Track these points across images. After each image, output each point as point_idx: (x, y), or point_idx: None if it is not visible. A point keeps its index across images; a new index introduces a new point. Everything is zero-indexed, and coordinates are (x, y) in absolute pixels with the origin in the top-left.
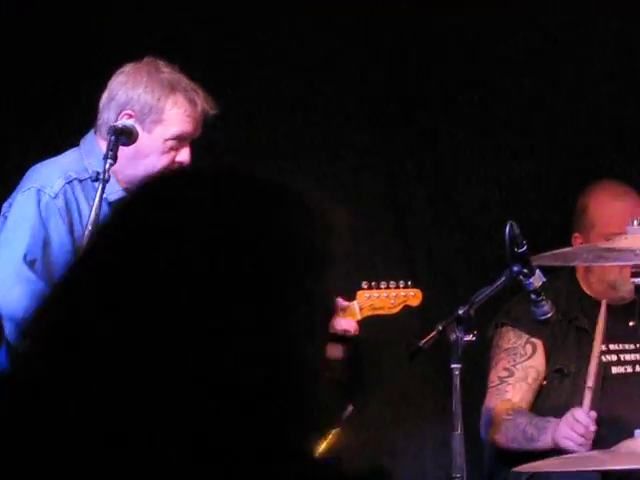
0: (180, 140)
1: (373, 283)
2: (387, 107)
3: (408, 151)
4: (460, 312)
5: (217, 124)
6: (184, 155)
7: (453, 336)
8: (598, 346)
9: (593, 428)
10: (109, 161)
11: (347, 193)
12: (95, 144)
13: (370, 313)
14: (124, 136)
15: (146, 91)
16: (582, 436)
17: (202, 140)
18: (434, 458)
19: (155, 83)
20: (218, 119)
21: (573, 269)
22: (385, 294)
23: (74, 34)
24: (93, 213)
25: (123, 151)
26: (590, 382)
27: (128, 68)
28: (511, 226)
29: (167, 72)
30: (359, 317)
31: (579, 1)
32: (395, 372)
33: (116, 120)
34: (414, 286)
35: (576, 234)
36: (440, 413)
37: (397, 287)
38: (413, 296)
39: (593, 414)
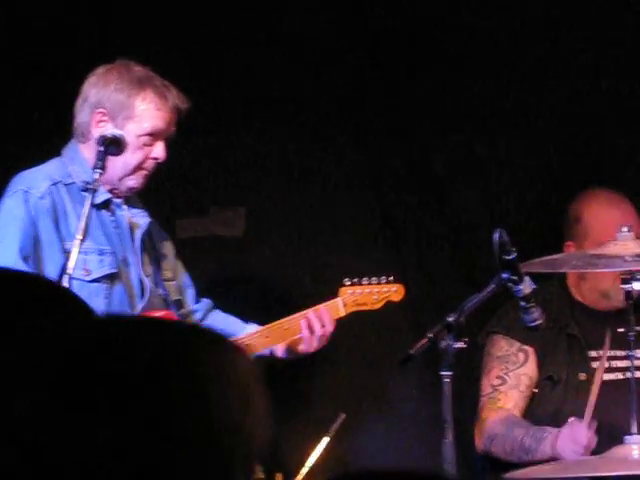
0: (153, 135)
1: (355, 279)
2: (378, 114)
3: (397, 157)
4: (450, 319)
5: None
6: (158, 151)
7: (443, 343)
8: (601, 371)
9: (594, 442)
10: (98, 171)
11: (336, 203)
12: (77, 151)
13: (354, 309)
14: (113, 146)
15: (116, 89)
16: (583, 448)
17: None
18: (425, 466)
19: (125, 81)
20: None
21: (564, 276)
22: (368, 290)
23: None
24: (82, 222)
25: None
26: (593, 398)
27: (99, 70)
28: (500, 233)
29: (137, 70)
30: (343, 313)
31: None
32: (385, 379)
33: (90, 121)
34: (396, 282)
35: (569, 243)
36: (431, 420)
37: (379, 283)
38: (395, 291)
39: (594, 425)
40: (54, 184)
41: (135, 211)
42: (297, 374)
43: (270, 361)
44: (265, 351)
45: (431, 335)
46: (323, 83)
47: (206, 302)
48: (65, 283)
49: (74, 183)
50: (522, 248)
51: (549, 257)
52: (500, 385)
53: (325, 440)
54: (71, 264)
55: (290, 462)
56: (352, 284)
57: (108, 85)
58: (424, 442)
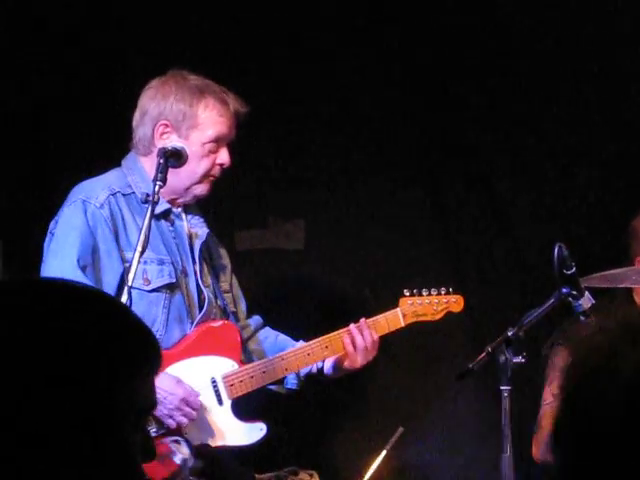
0: (218, 142)
1: (415, 290)
2: (434, 114)
3: (457, 164)
4: (509, 334)
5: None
6: (224, 156)
7: (502, 358)
8: None
9: None
10: (158, 183)
11: (396, 216)
12: (137, 162)
13: (413, 320)
14: (173, 158)
15: (177, 99)
16: None
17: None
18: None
19: (184, 90)
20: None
21: (630, 290)
22: (427, 300)
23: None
24: (142, 235)
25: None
26: None
27: (155, 82)
28: (559, 248)
29: (193, 79)
30: (403, 324)
31: None
32: (444, 393)
33: (152, 134)
34: (456, 293)
35: (639, 258)
36: (489, 435)
37: (439, 294)
38: (455, 302)
39: None
40: (113, 194)
41: (194, 221)
42: (356, 386)
43: (318, 379)
44: (313, 369)
45: (490, 349)
46: (381, 99)
47: (257, 319)
48: (125, 293)
49: (133, 193)
50: (582, 263)
51: (609, 272)
52: None
53: (383, 453)
54: (131, 275)
55: (348, 475)
56: (412, 295)
57: (168, 96)
58: (483, 456)
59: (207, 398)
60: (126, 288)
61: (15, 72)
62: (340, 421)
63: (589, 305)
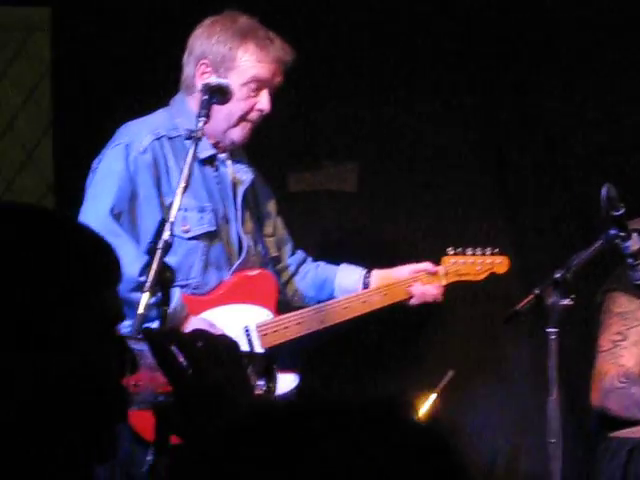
0: (257, 86)
1: (459, 249)
2: (493, 72)
3: (514, 116)
4: (557, 276)
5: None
6: (263, 101)
7: (550, 300)
8: None
9: None
10: (202, 119)
11: (450, 166)
12: (184, 103)
13: (456, 279)
14: (218, 94)
15: (219, 41)
16: None
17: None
18: (530, 422)
19: (227, 33)
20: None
21: None
22: (471, 260)
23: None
24: (186, 170)
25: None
26: None
27: (206, 21)
28: (608, 188)
29: (242, 22)
30: (444, 282)
31: None
32: (489, 335)
33: (194, 73)
34: (501, 253)
35: None
36: (537, 377)
37: (484, 254)
38: (500, 263)
39: None
40: (158, 138)
41: (239, 166)
42: (406, 330)
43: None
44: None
45: (538, 292)
46: (438, 48)
47: (298, 255)
48: (164, 238)
49: (179, 136)
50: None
51: None
52: (621, 341)
53: (433, 396)
54: (172, 215)
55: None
56: (456, 254)
57: (211, 37)
58: (531, 399)
59: None
60: (167, 225)
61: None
62: (390, 364)
63: (637, 247)
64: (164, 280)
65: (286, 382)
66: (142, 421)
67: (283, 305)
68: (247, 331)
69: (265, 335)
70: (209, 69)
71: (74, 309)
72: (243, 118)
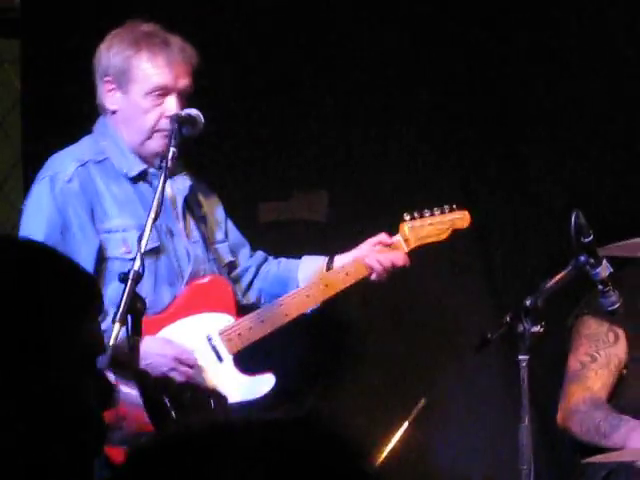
0: (160, 92)
1: (416, 213)
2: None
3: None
4: (527, 303)
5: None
6: (170, 106)
7: (520, 327)
8: None
9: None
10: (172, 149)
11: (419, 188)
12: (106, 126)
13: (418, 244)
14: (187, 124)
15: (116, 53)
16: None
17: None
18: (502, 450)
19: (123, 44)
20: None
21: None
22: (429, 221)
23: None
24: (155, 201)
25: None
26: None
27: (108, 35)
28: (577, 215)
29: (137, 30)
30: (406, 250)
31: None
32: (463, 363)
33: (102, 91)
34: (459, 208)
35: None
36: (508, 404)
37: (442, 212)
38: (460, 218)
39: None
40: (82, 165)
41: (176, 177)
42: (374, 359)
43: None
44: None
45: (508, 319)
46: (412, 73)
47: (257, 256)
48: (134, 268)
49: (107, 159)
50: (601, 233)
51: (627, 242)
52: (590, 362)
53: (404, 425)
54: (144, 242)
55: (369, 447)
56: (412, 218)
57: (110, 51)
58: (503, 426)
59: (205, 357)
60: (138, 255)
61: None
62: (359, 394)
63: (607, 274)
64: (135, 310)
65: (262, 384)
66: (120, 454)
67: (250, 310)
68: (210, 339)
69: (230, 340)
70: (113, 85)
71: (54, 340)
72: (154, 129)
